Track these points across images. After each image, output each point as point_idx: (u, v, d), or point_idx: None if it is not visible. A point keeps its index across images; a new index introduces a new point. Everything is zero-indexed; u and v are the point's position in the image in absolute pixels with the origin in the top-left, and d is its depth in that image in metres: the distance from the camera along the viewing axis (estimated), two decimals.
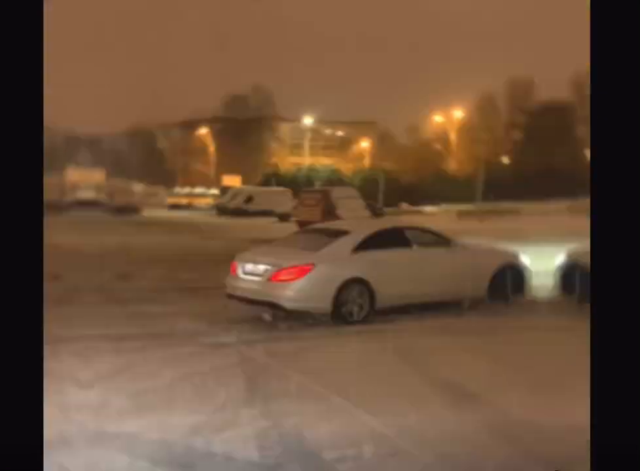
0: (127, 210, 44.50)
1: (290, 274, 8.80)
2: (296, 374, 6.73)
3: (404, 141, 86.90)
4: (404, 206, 48.92)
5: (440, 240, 10.41)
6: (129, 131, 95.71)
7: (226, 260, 10.44)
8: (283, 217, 39.08)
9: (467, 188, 49.08)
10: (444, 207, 47.08)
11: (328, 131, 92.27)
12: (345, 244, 9.39)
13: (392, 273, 9.48)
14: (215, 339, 8.30)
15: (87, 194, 47.42)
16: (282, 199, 43.26)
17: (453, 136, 73.80)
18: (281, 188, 48.26)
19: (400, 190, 52.82)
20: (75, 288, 12.05)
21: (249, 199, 46.07)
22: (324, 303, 8.89)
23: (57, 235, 20.06)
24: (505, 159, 69.94)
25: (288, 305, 8.88)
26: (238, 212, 44.05)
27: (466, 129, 73.90)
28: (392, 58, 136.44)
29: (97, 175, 72.58)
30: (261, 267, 9.10)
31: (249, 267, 9.26)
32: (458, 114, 72.84)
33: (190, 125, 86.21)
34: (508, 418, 5.53)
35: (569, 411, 5.41)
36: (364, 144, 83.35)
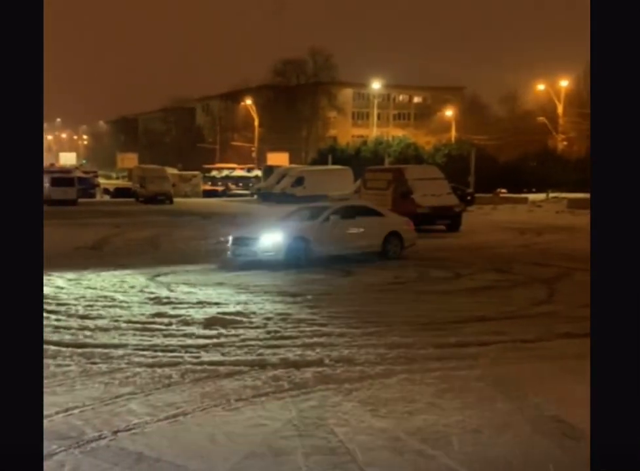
0: (160, 198, 42.42)
1: None
2: None
3: (498, 112, 79.28)
4: (502, 192, 45.11)
5: None
6: (164, 108, 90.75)
7: None
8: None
9: (579, 172, 45.39)
10: (552, 194, 44.16)
11: (401, 97, 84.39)
12: None
13: None
14: None
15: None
16: (340, 181, 37.76)
17: (559, 109, 66.08)
18: (339, 167, 43.22)
19: (495, 172, 48.19)
20: None
21: (299, 182, 41.09)
22: None
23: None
24: None
25: None
26: (284, 198, 39.39)
27: (575, 101, 67.60)
28: (485, 15, 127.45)
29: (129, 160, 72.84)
30: None
31: None
32: (564, 84, 64.93)
33: (233, 97, 79.25)
34: None
35: None
36: (449, 113, 73.26)
